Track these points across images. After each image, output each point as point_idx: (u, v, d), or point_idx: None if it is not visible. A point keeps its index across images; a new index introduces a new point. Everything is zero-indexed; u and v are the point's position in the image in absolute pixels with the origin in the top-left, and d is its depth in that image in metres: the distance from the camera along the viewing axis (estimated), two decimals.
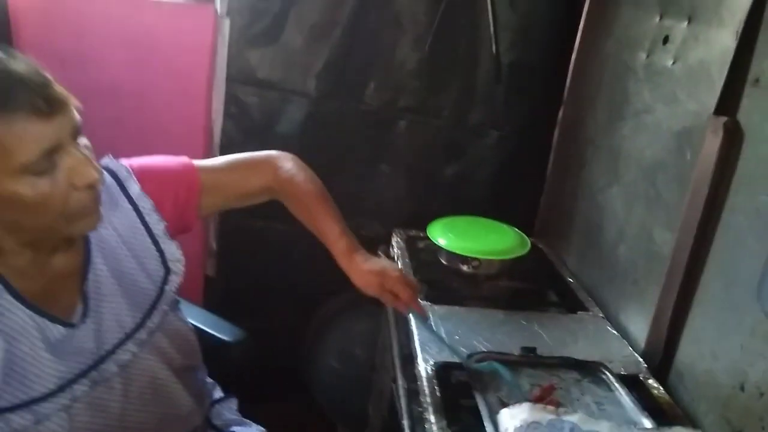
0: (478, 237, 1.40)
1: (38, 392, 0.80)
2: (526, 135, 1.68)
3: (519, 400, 0.84)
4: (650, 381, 1.07)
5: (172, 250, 0.95)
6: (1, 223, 0.77)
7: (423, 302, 1.25)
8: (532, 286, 1.42)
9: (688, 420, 0.99)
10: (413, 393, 1.07)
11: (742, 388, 0.91)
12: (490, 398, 0.97)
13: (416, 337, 1.15)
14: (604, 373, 1.06)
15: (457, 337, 1.16)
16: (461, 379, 1.05)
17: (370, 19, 1.59)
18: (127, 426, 0.89)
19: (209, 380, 1.15)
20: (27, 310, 0.80)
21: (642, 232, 1.23)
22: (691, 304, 1.06)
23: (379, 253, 1.57)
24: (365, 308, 1.81)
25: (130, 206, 0.92)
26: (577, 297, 1.36)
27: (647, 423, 0.91)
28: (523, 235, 1.46)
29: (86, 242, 0.88)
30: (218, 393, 1.16)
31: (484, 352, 1.10)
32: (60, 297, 0.85)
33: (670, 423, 0.93)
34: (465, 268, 1.38)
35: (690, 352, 1.06)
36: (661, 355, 1.11)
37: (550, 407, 0.65)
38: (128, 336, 0.90)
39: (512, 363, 1.08)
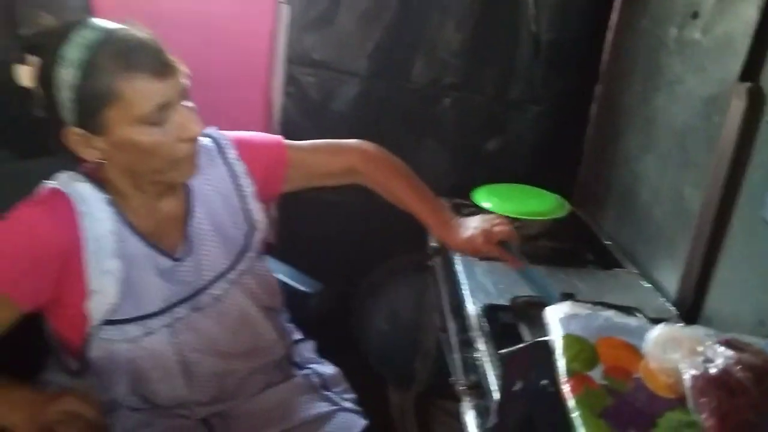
0: (518, 200, 1.52)
1: (148, 310, 0.97)
2: (565, 109, 1.78)
3: None
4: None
5: (256, 210, 1.11)
6: (119, 166, 0.94)
7: (471, 258, 1.38)
8: (571, 247, 1.53)
9: None
10: (462, 331, 1.21)
11: (762, 324, 1.02)
12: (535, 331, 1.10)
13: (465, 286, 1.28)
14: (637, 315, 1.17)
15: (501, 287, 1.29)
16: (506, 321, 1.18)
17: (418, 3, 1.71)
18: (219, 348, 1.05)
19: (290, 325, 1.28)
20: (142, 242, 0.97)
21: (674, 193, 1.33)
22: (719, 254, 1.16)
23: None
24: (410, 275, 1.95)
25: (226, 168, 1.09)
26: (613, 256, 1.47)
27: None
28: (562, 199, 1.57)
29: (188, 194, 1.04)
30: (298, 335, 1.29)
31: (528, 295, 1.22)
32: (167, 236, 1.01)
33: None
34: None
35: (717, 297, 1.16)
36: (691, 302, 1.21)
37: (588, 304, 0.78)
38: (221, 275, 1.06)
39: None
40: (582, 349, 0.69)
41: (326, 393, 1.18)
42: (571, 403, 0.62)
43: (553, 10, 1.68)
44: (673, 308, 1.24)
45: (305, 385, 1.17)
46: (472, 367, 1.16)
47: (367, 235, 1.95)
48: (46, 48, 0.87)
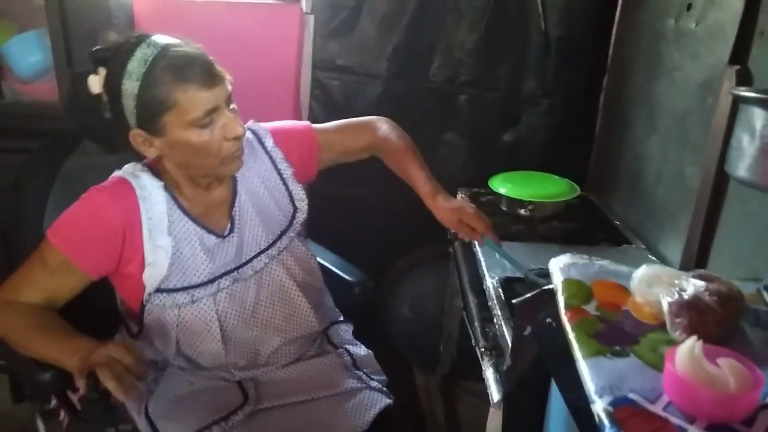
0: (532, 185, 1.63)
1: (193, 281, 1.11)
2: (575, 101, 1.88)
3: None
4: None
5: (298, 191, 1.25)
6: (176, 162, 1.09)
7: (487, 239, 1.50)
8: (583, 227, 1.64)
9: None
10: (482, 302, 1.33)
11: (755, 281, 1.12)
12: None
13: (483, 263, 1.40)
14: None
15: (517, 262, 1.40)
16: (521, 292, 1.29)
17: (433, 7, 1.84)
18: (257, 317, 1.18)
19: (333, 306, 1.39)
20: (192, 222, 1.12)
21: (675, 172, 1.43)
22: (717, 225, 1.27)
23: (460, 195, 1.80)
24: (432, 264, 2.06)
25: (266, 156, 1.23)
26: (623, 234, 1.58)
27: None
28: (573, 183, 1.68)
29: (234, 182, 1.19)
30: (339, 317, 1.39)
31: (540, 267, 1.33)
32: (215, 218, 1.16)
33: None
34: (522, 211, 1.62)
35: (716, 263, 1.26)
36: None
37: (585, 256, 0.90)
38: (262, 251, 1.19)
39: None
40: (579, 290, 0.81)
41: (356, 371, 1.25)
42: (568, 328, 0.74)
43: (560, 8, 1.79)
44: None
45: (337, 362, 1.25)
46: (490, 332, 1.28)
47: (392, 228, 2.06)
48: (114, 61, 1.02)
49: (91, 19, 1.72)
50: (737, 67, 1.20)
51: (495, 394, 1.12)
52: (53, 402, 1.23)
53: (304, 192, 1.26)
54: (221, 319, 1.13)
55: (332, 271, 1.44)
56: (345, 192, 2.02)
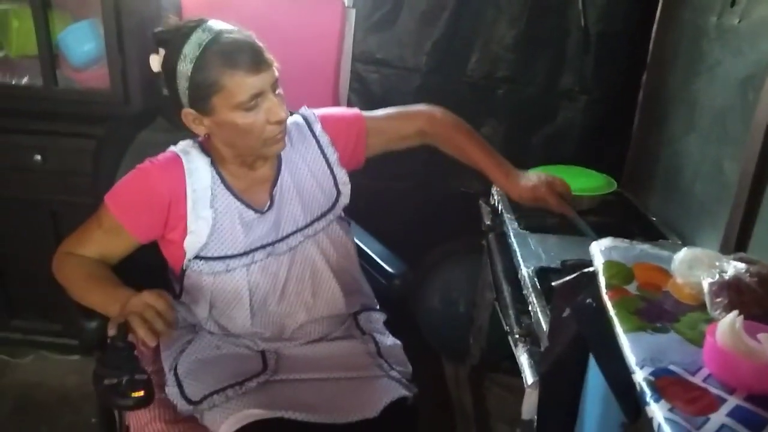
0: (569, 178, 1.63)
1: (230, 252, 1.17)
2: (613, 98, 1.89)
3: None
4: None
5: (342, 175, 1.29)
6: (223, 140, 1.16)
7: (523, 231, 1.52)
8: (618, 222, 1.64)
9: None
10: (517, 291, 1.35)
11: None
12: None
13: (518, 253, 1.42)
14: None
15: (552, 254, 1.42)
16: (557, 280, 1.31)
17: (473, 2, 1.87)
18: (286, 292, 1.23)
19: (371, 294, 1.40)
20: (233, 197, 1.18)
21: (714, 168, 1.44)
22: (755, 220, 1.27)
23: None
24: (463, 256, 2.09)
25: (314, 140, 1.28)
26: (658, 230, 1.58)
27: None
28: (609, 177, 1.69)
29: (279, 162, 1.24)
30: (375, 305, 1.40)
31: (576, 259, 1.35)
32: (256, 195, 1.22)
33: None
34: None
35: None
36: None
37: (626, 239, 0.92)
38: (299, 229, 1.24)
39: None
40: (620, 270, 0.83)
41: (379, 359, 1.24)
42: (610, 306, 0.76)
43: (601, 5, 1.80)
44: None
45: (360, 348, 1.26)
46: (525, 319, 1.30)
47: (423, 221, 2.09)
48: (172, 43, 1.09)
49: (141, 10, 1.78)
50: None
51: (530, 377, 1.14)
52: None
53: (347, 177, 1.30)
54: (252, 290, 1.19)
55: (375, 260, 1.46)
56: (378, 186, 2.05)
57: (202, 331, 1.26)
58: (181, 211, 1.15)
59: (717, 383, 0.63)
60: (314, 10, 1.97)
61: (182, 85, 1.08)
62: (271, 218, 1.21)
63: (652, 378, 0.63)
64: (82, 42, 1.83)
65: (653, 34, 1.82)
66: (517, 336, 1.28)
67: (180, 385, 1.16)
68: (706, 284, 0.74)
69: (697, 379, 0.64)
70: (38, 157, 1.82)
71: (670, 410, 0.59)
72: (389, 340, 1.33)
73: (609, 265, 0.85)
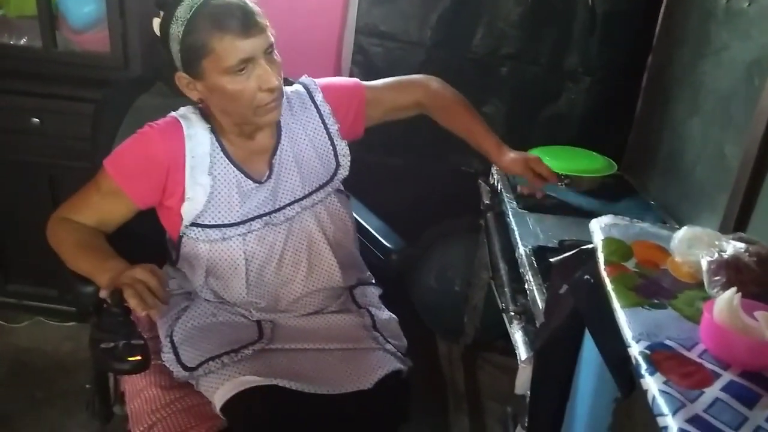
0: (569, 159, 1.64)
1: (226, 220, 1.17)
2: (617, 80, 1.88)
3: None
4: None
5: (342, 147, 1.28)
6: (217, 107, 1.15)
7: (521, 211, 1.52)
8: (616, 204, 1.65)
9: None
10: (513, 270, 1.35)
11: None
12: None
13: (516, 232, 1.42)
14: None
15: (549, 233, 1.42)
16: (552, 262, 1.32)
17: None
18: (283, 263, 1.22)
19: (365, 268, 1.40)
20: (232, 166, 1.18)
21: (716, 152, 1.43)
22: (755, 204, 1.27)
23: None
24: (460, 236, 2.09)
25: (315, 110, 1.26)
26: (656, 213, 1.58)
27: None
28: (610, 160, 1.69)
29: (279, 132, 1.22)
30: (370, 279, 1.40)
31: (574, 239, 1.35)
32: (255, 164, 1.21)
33: None
34: (558, 184, 1.63)
35: None
36: None
37: (626, 218, 0.92)
38: (296, 200, 1.23)
39: None
40: (619, 247, 0.83)
41: (374, 332, 1.25)
42: (607, 281, 0.76)
43: None
44: None
45: (356, 321, 1.27)
46: (520, 297, 1.30)
47: (421, 199, 2.08)
48: (169, 6, 1.08)
49: None
50: None
51: (523, 353, 1.15)
52: None
53: (348, 149, 1.29)
54: (248, 259, 1.19)
55: (373, 235, 1.46)
56: (377, 161, 2.04)
57: (198, 298, 1.26)
58: (179, 177, 1.15)
59: (712, 359, 0.64)
60: None
61: (174, 47, 1.08)
62: (269, 188, 1.20)
63: (647, 351, 0.64)
64: (82, 3, 1.80)
65: (660, 16, 1.80)
66: (512, 314, 1.28)
67: (176, 352, 1.17)
68: (704, 262, 0.74)
69: (692, 355, 0.64)
70: (36, 120, 1.80)
71: (665, 383, 0.60)
72: (385, 314, 1.33)
73: (608, 241, 0.85)
